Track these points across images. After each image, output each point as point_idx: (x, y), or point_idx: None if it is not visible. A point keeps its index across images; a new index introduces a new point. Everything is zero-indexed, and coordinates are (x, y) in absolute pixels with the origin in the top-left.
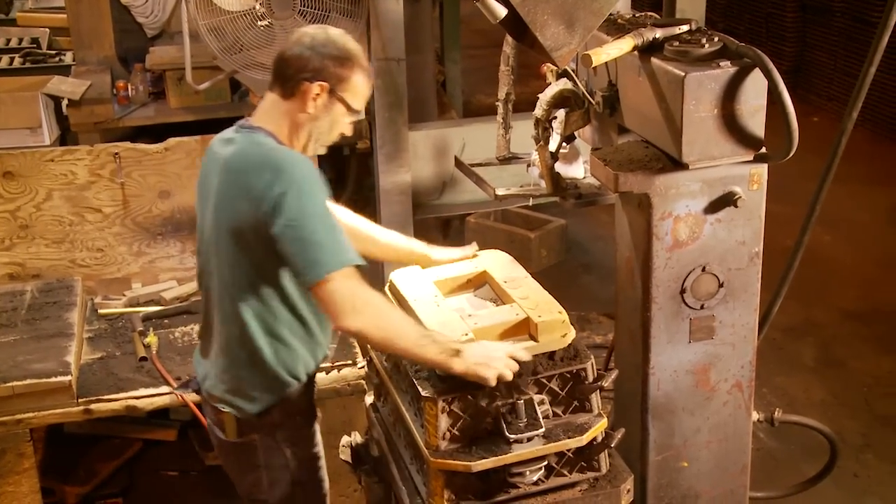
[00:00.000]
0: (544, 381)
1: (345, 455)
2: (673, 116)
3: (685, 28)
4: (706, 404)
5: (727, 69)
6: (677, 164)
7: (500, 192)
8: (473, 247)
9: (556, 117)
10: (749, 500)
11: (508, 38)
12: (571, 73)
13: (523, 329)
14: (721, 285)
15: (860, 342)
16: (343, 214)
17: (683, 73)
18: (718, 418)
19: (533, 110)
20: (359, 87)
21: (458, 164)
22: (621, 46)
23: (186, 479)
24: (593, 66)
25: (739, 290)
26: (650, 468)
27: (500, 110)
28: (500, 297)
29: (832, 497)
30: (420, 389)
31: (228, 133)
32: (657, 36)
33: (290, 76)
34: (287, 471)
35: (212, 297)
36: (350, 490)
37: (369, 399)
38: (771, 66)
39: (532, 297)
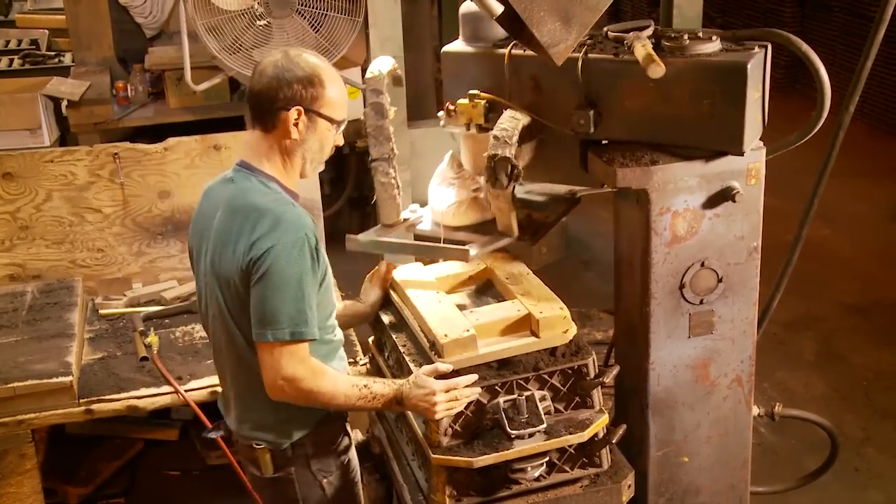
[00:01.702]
0: (546, 377)
1: None
2: (727, 108)
3: (650, 29)
4: (706, 399)
5: (760, 52)
6: (680, 159)
7: (474, 252)
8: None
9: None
10: (750, 495)
11: (380, 88)
12: (507, 103)
13: (525, 325)
14: (720, 280)
15: (860, 336)
16: None
17: (743, 61)
18: (719, 413)
19: None
20: (334, 99)
21: (355, 243)
22: (647, 52)
23: (188, 479)
24: (660, 76)
25: (738, 284)
26: (651, 463)
27: (388, 171)
28: (501, 294)
29: (833, 491)
30: None
31: (228, 174)
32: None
33: (265, 110)
34: (325, 502)
35: (219, 341)
36: None
37: None
38: (797, 39)
39: (533, 294)
